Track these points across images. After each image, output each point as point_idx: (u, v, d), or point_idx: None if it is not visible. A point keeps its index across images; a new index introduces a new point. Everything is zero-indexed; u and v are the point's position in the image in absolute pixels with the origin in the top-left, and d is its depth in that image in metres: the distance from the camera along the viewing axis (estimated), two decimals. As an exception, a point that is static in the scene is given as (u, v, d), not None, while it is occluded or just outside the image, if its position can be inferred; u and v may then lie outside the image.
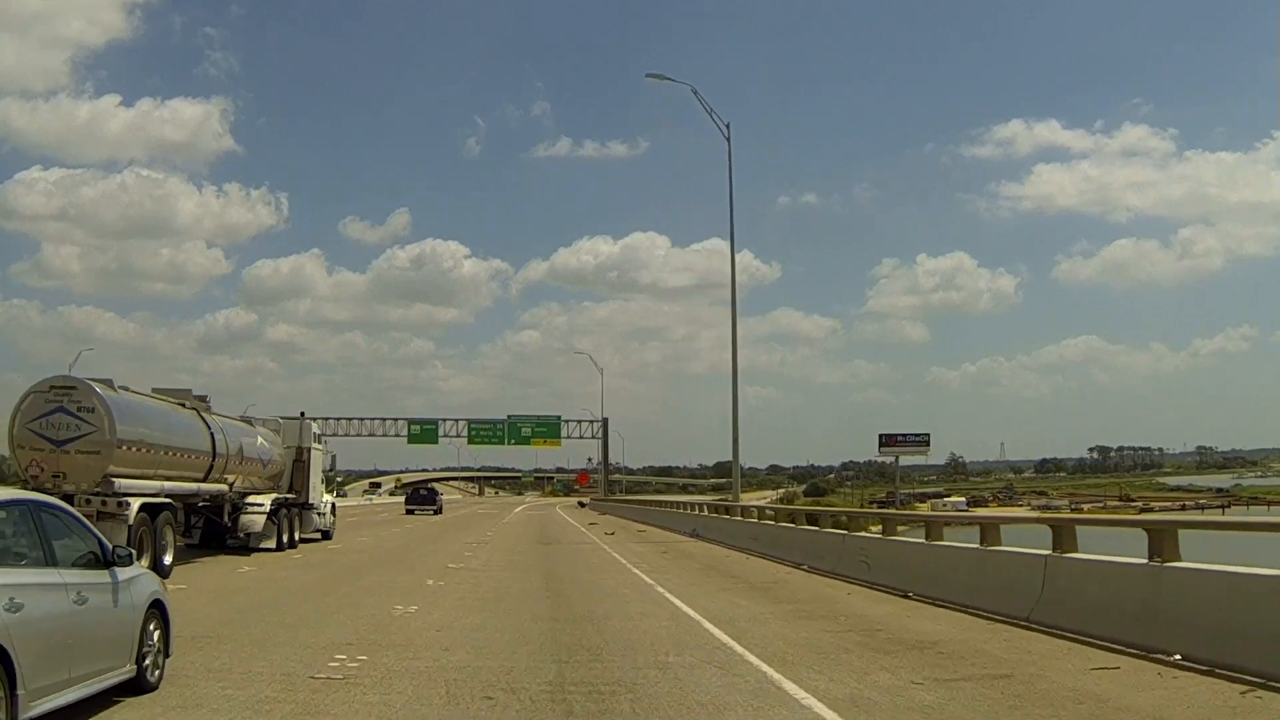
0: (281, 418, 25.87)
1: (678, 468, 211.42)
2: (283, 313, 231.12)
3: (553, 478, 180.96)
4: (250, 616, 11.51)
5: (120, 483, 15.83)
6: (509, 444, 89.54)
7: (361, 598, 13.74)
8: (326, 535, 26.91)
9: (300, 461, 25.23)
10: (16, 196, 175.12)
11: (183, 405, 19.57)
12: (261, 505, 21.92)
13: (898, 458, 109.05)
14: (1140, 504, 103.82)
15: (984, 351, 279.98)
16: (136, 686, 7.06)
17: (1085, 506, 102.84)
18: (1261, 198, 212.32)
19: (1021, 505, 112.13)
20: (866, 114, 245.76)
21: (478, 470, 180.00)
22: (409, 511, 57.04)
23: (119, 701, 6.86)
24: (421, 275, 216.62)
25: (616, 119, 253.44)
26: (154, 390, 19.24)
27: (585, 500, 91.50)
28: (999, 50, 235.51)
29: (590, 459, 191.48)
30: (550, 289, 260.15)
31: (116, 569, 6.94)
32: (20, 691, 5.46)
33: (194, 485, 19.12)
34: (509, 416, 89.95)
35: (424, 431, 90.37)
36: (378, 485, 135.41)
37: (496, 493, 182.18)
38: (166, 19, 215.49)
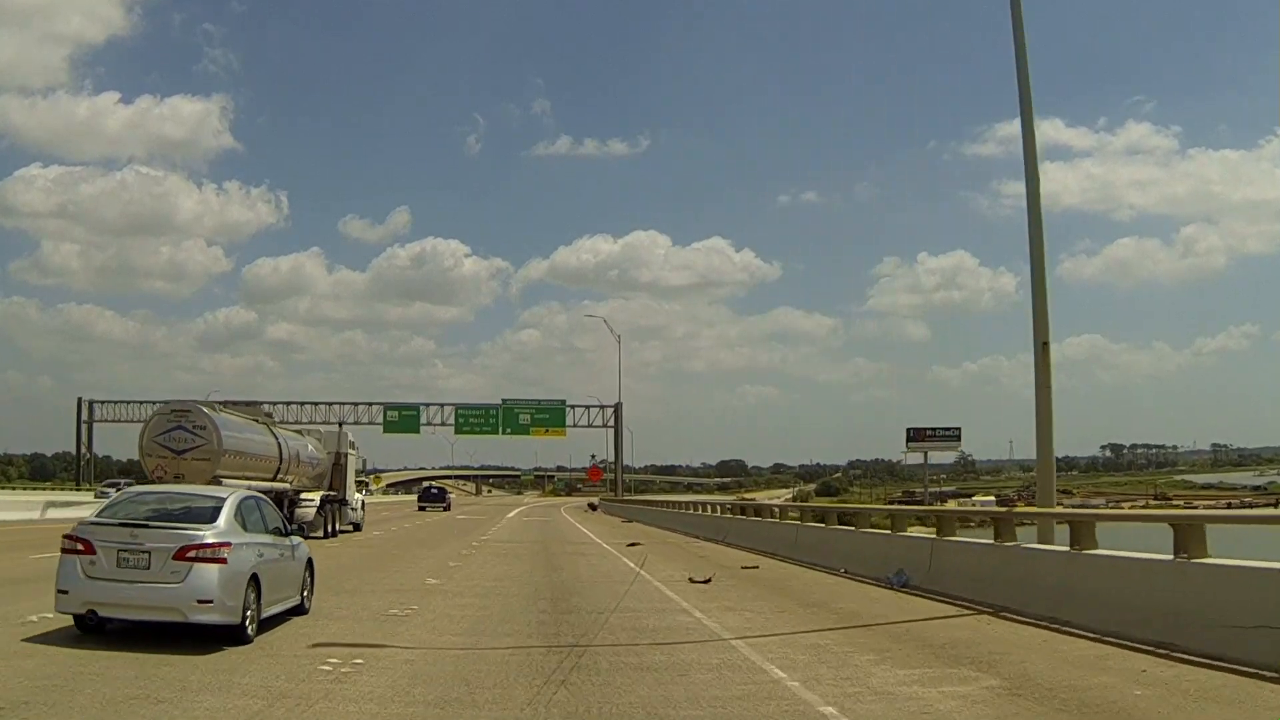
0: (322, 426, 31.33)
1: (680, 466, 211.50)
2: (283, 311, 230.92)
3: (553, 476, 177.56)
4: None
5: (225, 482, 21.11)
6: (503, 433, 76.16)
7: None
8: (357, 527, 31.53)
9: (338, 465, 30.23)
10: (15, 193, 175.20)
11: (257, 420, 24.92)
12: (312, 500, 26.95)
13: (927, 454, 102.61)
14: (1182, 502, 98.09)
15: (985, 350, 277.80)
16: (300, 609, 12.27)
17: (1125, 504, 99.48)
18: (1265, 195, 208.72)
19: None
20: (868, 111, 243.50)
21: (477, 469, 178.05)
22: (421, 508, 62.10)
23: (292, 620, 11.74)
24: (422, 274, 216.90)
25: (617, 117, 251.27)
26: (231, 405, 24.61)
27: (595, 501, 77.01)
28: (1001, 47, 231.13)
29: (594, 456, 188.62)
30: (550, 288, 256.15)
31: (293, 538, 12.32)
32: (262, 601, 10.82)
33: (268, 484, 23.43)
34: (504, 401, 77.10)
35: (402, 418, 78.75)
36: (364, 484, 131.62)
37: (490, 491, 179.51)
38: (166, 15, 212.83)
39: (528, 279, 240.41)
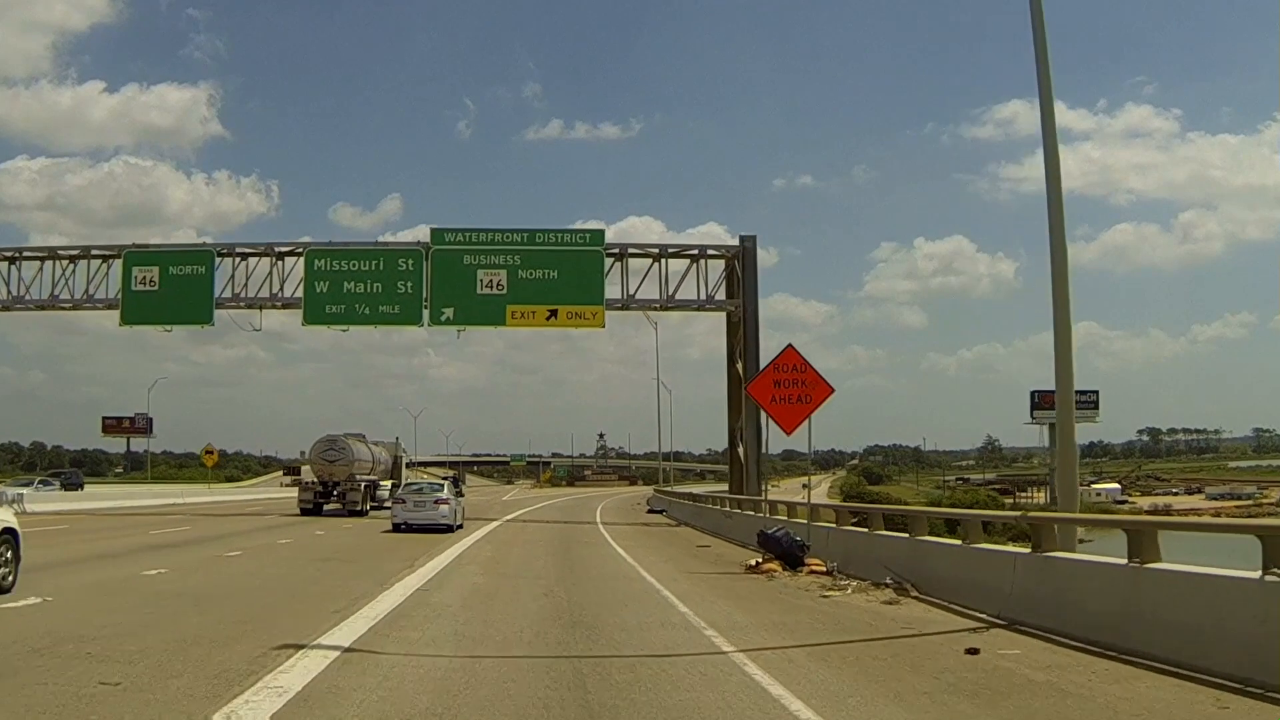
0: (383, 441, 48.44)
1: (684, 453, 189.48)
2: None
3: (549, 463, 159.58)
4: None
5: (359, 478, 37.89)
6: (429, 322, 34.99)
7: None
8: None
9: (396, 463, 45.15)
10: (1, 185, 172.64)
11: (363, 441, 40.84)
12: (386, 486, 40.68)
13: (1052, 426, 71.63)
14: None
15: (981, 337, 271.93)
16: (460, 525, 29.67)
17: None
18: (1265, 181, 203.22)
19: (1172, 494, 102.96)
20: (865, 93, 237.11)
21: (469, 457, 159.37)
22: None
23: (462, 525, 29.93)
24: None
25: (609, 100, 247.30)
26: (350, 435, 42.04)
27: (660, 506, 46.96)
28: (1000, 27, 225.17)
29: (602, 434, 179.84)
30: None
31: (461, 497, 35.12)
32: (461, 516, 30.24)
33: (372, 477, 40.05)
34: (433, 234, 35.29)
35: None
36: (295, 472, 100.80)
37: (463, 483, 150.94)
38: (151, 1, 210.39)
39: None
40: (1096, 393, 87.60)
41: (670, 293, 36.85)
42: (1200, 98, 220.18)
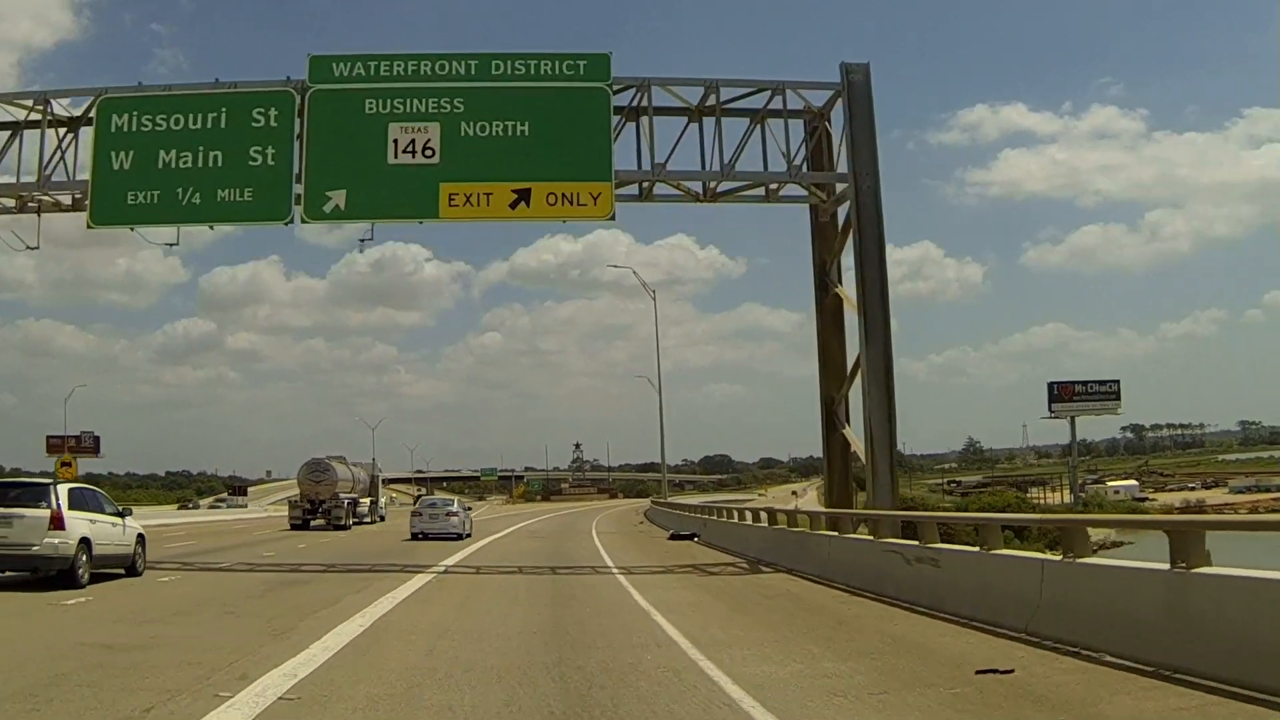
0: (360, 462, 47.40)
1: (659, 464, 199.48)
2: (241, 320, 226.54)
3: (523, 477, 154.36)
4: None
5: (342, 496, 39.19)
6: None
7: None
8: (383, 519, 48.58)
9: (373, 482, 48.12)
10: None
11: (345, 463, 42.86)
12: (365, 503, 44.42)
13: (1074, 419, 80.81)
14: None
15: (951, 341, 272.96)
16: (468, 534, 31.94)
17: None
18: (1231, 177, 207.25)
19: (1189, 489, 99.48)
20: None
21: (441, 473, 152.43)
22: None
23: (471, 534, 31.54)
24: (382, 279, 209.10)
25: None
26: (333, 458, 41.18)
27: (690, 529, 32.06)
28: (965, 31, 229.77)
29: (578, 445, 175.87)
30: (512, 289, 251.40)
31: (470, 511, 37.97)
32: (470, 526, 33.87)
33: (353, 495, 42.03)
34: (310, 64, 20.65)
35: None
36: (238, 493, 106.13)
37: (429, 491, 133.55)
38: (116, 16, 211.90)
39: (489, 281, 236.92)
40: (1118, 382, 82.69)
41: (727, 160, 21.41)
42: (1166, 96, 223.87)
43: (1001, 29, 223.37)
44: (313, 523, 38.46)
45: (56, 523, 14.06)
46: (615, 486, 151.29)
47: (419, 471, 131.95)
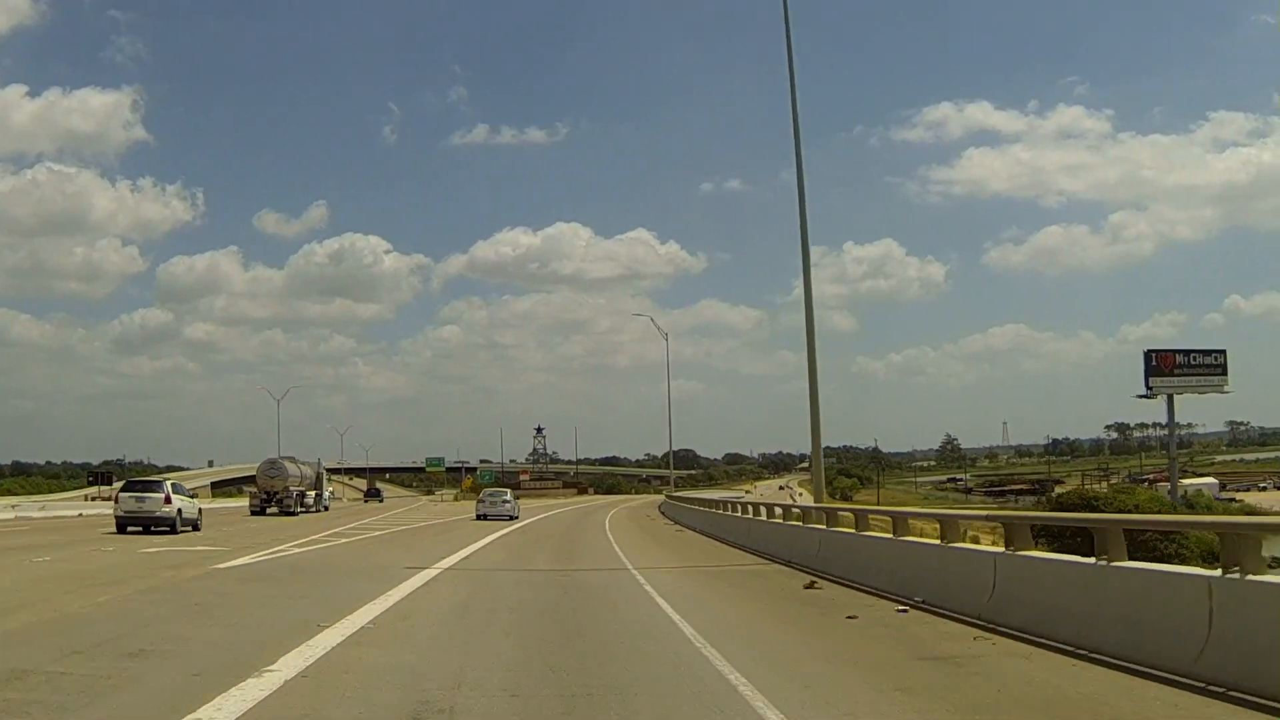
0: (307, 461, 60.38)
1: (622, 459, 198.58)
2: (198, 311, 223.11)
3: (474, 469, 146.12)
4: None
5: (292, 489, 50.84)
6: None
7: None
8: (327, 509, 57.90)
9: (319, 477, 58.89)
10: None
11: (296, 461, 54.00)
12: (312, 495, 54.39)
13: (1171, 398, 66.99)
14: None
15: (911, 340, 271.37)
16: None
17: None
18: (1195, 180, 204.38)
19: (1261, 488, 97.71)
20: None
21: (392, 465, 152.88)
22: (366, 502, 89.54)
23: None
24: (341, 270, 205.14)
25: (535, 104, 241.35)
26: (285, 458, 53.82)
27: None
28: (930, 27, 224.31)
29: (540, 428, 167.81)
30: (471, 282, 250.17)
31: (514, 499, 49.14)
32: (517, 515, 45.50)
33: (301, 488, 52.44)
34: None
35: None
36: (103, 480, 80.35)
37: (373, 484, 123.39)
38: (74, 2, 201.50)
39: (447, 274, 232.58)
40: (1224, 352, 66.72)
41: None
42: (1133, 98, 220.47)
43: (968, 25, 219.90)
44: (268, 510, 48.35)
45: (167, 501, 28.24)
46: (586, 482, 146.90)
47: (354, 463, 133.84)
